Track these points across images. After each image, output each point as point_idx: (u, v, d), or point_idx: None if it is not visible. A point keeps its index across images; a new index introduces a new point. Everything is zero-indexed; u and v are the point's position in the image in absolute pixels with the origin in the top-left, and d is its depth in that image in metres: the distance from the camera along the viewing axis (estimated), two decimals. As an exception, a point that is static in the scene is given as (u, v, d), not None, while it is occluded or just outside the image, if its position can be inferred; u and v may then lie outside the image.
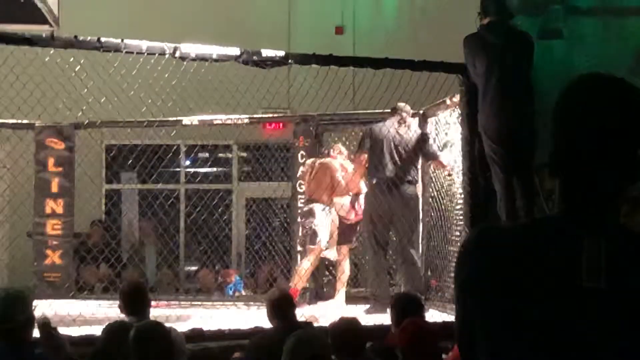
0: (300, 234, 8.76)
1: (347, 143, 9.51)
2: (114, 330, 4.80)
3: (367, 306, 8.05)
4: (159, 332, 4.52)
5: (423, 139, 8.19)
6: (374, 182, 8.11)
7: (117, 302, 5.54)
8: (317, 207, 8.48)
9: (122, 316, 5.46)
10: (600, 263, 1.63)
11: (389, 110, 8.24)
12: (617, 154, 1.70)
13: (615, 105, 1.71)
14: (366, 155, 8.17)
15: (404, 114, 8.18)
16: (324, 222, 8.47)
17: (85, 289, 9.61)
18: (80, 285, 9.86)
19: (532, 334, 1.63)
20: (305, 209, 8.65)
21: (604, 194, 1.71)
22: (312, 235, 8.43)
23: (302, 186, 8.97)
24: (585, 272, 1.62)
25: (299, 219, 8.92)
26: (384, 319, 6.67)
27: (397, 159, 8.06)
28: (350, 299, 8.66)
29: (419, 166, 8.35)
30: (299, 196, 9.20)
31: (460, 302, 1.79)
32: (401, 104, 8.12)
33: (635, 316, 1.61)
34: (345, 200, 8.53)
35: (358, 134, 9.48)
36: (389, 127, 8.13)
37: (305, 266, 8.44)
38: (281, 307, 5.52)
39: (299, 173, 9.11)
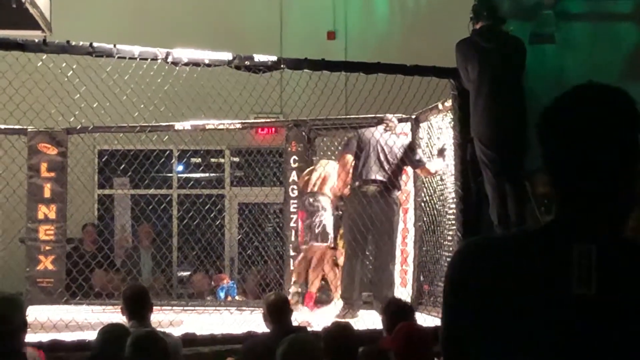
0: (307, 229, 8.45)
1: (340, 148, 9.50)
2: (110, 334, 4.78)
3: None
4: (157, 341, 4.51)
5: (410, 147, 8.19)
6: (357, 184, 8.11)
7: (107, 307, 5.54)
8: (326, 201, 8.41)
9: (124, 319, 5.46)
10: (591, 270, 1.62)
11: (378, 117, 8.28)
12: (609, 163, 1.69)
13: (607, 116, 1.70)
14: (349, 157, 8.17)
15: (391, 124, 8.27)
16: (331, 217, 8.41)
17: (90, 294, 9.42)
18: (88, 291, 9.62)
19: (524, 342, 1.64)
20: (314, 202, 8.47)
21: (595, 202, 1.70)
22: (323, 232, 8.30)
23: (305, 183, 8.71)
24: (576, 279, 1.63)
25: (293, 221, 8.83)
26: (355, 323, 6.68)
27: (382, 164, 8.05)
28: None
29: (407, 173, 8.35)
30: (292, 201, 9.16)
31: (448, 314, 1.79)
32: (389, 115, 8.20)
33: (627, 323, 1.61)
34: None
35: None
36: (378, 132, 8.15)
37: (326, 270, 8.42)
38: (276, 311, 5.54)
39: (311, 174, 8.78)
